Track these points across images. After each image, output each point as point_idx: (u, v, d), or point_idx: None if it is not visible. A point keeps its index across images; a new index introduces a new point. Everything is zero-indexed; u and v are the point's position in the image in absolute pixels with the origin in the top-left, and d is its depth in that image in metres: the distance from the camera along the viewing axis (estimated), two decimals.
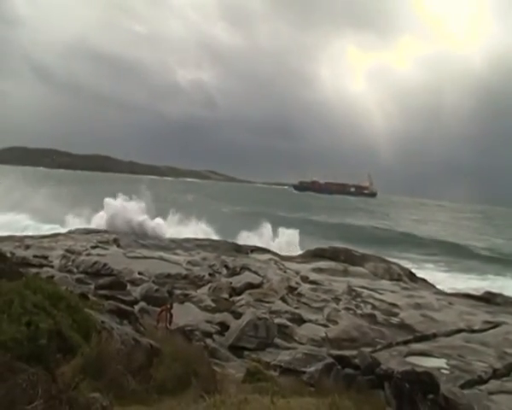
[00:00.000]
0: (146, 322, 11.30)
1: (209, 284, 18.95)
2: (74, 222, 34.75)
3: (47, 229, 33.63)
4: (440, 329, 16.65)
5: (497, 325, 17.47)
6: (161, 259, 21.89)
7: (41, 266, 18.73)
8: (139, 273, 18.81)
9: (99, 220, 33.46)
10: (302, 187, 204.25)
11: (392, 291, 21.79)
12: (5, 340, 4.15)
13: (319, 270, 24.57)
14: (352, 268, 25.83)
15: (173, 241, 27.78)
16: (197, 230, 36.08)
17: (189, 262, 21.64)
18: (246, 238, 35.31)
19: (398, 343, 14.70)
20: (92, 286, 15.57)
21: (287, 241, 36.43)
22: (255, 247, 29.95)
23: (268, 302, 17.56)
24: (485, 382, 12.25)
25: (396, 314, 18.15)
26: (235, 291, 18.61)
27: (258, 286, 19.28)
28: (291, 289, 19.58)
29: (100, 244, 23.07)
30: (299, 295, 19.23)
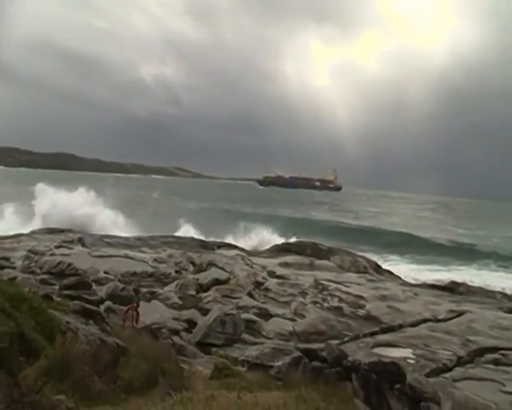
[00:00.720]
0: (112, 321, 11.19)
1: (176, 281, 18.83)
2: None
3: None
4: (406, 319, 16.90)
5: (460, 314, 17.83)
6: (127, 257, 21.66)
7: (2, 267, 18.31)
8: (105, 272, 18.57)
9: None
10: (267, 182, 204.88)
11: (359, 284, 22.03)
12: None
13: (286, 264, 24.68)
14: (318, 262, 26.03)
15: (139, 238, 27.51)
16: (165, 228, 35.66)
17: (155, 260, 21.47)
18: (213, 235, 35.22)
19: (364, 335, 14.85)
20: (57, 287, 15.30)
21: (258, 239, 36.61)
22: (222, 243, 29.96)
23: (235, 298, 17.56)
24: (450, 369, 12.50)
25: (362, 306, 18.36)
26: (202, 288, 18.54)
27: (225, 282, 19.26)
28: (258, 285, 19.63)
29: (64, 244, 22.69)
30: (266, 290, 19.30)
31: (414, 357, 12.99)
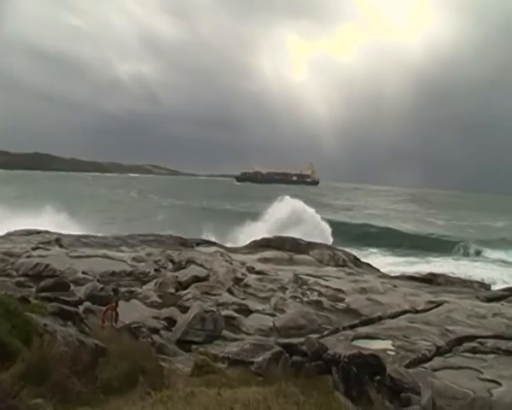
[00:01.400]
0: (91, 322, 11.11)
1: (155, 280, 18.74)
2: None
3: None
4: (385, 311, 17.06)
5: (439, 305, 18.05)
6: (105, 257, 21.48)
7: None
8: (83, 273, 18.40)
9: None
10: (244, 178, 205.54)
11: (338, 277, 22.17)
12: None
13: (265, 260, 24.73)
14: (297, 256, 26.13)
15: (117, 238, 27.30)
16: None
17: (133, 259, 21.33)
18: (192, 232, 35.16)
19: (344, 328, 14.96)
20: (34, 289, 15.16)
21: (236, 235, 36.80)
22: (201, 240, 29.87)
23: (215, 295, 17.57)
24: (430, 359, 12.68)
25: (342, 300, 18.49)
26: (182, 285, 18.50)
27: (205, 279, 19.24)
28: (237, 281, 19.64)
29: (41, 245, 22.39)
30: (246, 285, 19.33)
31: (393, 348, 13.14)
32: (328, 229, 43.59)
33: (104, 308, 12.08)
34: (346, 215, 72.71)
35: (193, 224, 39.22)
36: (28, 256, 19.98)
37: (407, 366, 11.39)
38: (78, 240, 25.03)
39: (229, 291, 18.21)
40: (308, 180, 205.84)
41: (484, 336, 14.25)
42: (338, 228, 47.10)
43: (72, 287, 15.72)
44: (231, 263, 22.20)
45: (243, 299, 17.71)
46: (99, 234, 29.00)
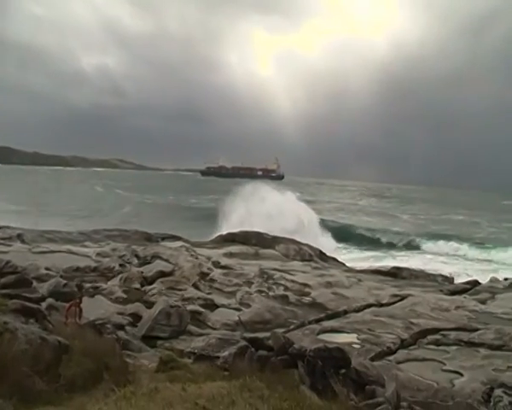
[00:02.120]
0: (55, 319, 10.98)
1: (120, 275, 18.55)
2: None
3: None
4: (351, 305, 17.27)
5: (403, 298, 18.36)
6: (69, 252, 21.16)
7: None
8: (46, 269, 18.06)
9: None
10: (209, 172, 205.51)
11: (304, 272, 22.31)
12: None
13: (230, 254, 24.75)
14: (263, 251, 26.22)
15: (82, 233, 26.94)
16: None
17: (98, 254, 21.07)
18: (157, 227, 34.93)
19: (310, 322, 15.09)
20: None
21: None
22: (166, 234, 29.71)
23: (180, 290, 17.50)
24: (394, 352, 12.92)
25: (308, 294, 18.62)
26: (147, 281, 18.37)
27: (170, 274, 19.14)
28: (203, 275, 19.60)
29: (1, 241, 21.95)
30: (212, 280, 19.30)
31: (359, 342, 13.34)
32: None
33: (67, 305, 11.91)
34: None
35: (158, 218, 38.92)
36: None
37: (372, 359, 11.56)
38: (42, 235, 24.61)
39: (195, 286, 18.16)
40: (273, 175, 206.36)
41: (447, 329, 14.59)
42: None
43: (35, 283, 15.39)
44: (197, 258, 22.13)
45: (209, 294, 17.68)
46: (63, 229, 28.56)
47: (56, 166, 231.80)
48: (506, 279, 23.99)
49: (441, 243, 46.69)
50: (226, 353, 10.65)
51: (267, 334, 12.40)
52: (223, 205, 42.56)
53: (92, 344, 7.95)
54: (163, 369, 8.65)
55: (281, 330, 12.72)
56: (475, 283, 22.50)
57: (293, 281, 19.85)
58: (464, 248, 45.01)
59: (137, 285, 17.80)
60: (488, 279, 23.48)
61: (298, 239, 29.31)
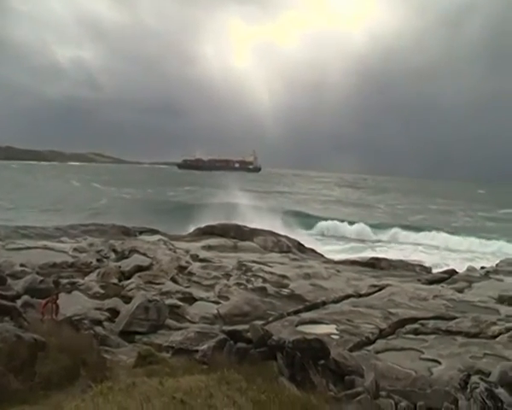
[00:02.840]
0: (31, 316, 10.85)
1: (97, 270, 18.38)
2: None
3: None
4: (329, 296, 17.39)
5: (382, 288, 18.54)
6: (45, 248, 20.90)
7: None
8: (21, 265, 17.80)
9: None
10: (186, 165, 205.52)
11: (282, 263, 22.39)
12: None
13: (209, 247, 24.75)
14: (241, 243, 26.25)
15: (58, 228, 26.68)
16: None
17: (75, 249, 20.86)
18: (134, 221, 34.66)
19: (289, 314, 15.17)
20: None
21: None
22: (144, 228, 29.56)
23: (158, 284, 17.41)
24: (373, 342, 13.06)
25: (286, 286, 18.68)
26: (125, 275, 18.23)
27: (148, 268, 19.02)
28: (181, 269, 19.55)
29: None
30: (190, 273, 19.27)
31: (338, 332, 13.46)
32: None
33: (44, 301, 11.78)
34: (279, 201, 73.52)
35: (136, 212, 38.66)
36: None
37: (351, 350, 11.65)
38: (16, 231, 24.32)
39: (173, 280, 18.10)
40: (250, 167, 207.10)
41: (425, 318, 14.78)
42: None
43: (10, 281, 15.21)
44: (175, 251, 22.08)
45: (187, 287, 17.63)
46: (38, 225, 28.22)
47: (31, 161, 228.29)
48: (482, 268, 24.40)
49: (418, 233, 47.17)
50: (205, 346, 10.65)
51: (246, 326, 12.42)
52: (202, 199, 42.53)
53: (69, 341, 7.87)
54: (141, 364, 8.61)
55: (260, 323, 12.73)
56: (452, 272, 22.81)
57: (271, 273, 19.90)
58: (441, 237, 45.48)
59: (115, 280, 17.66)
60: (465, 268, 23.79)
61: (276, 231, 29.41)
